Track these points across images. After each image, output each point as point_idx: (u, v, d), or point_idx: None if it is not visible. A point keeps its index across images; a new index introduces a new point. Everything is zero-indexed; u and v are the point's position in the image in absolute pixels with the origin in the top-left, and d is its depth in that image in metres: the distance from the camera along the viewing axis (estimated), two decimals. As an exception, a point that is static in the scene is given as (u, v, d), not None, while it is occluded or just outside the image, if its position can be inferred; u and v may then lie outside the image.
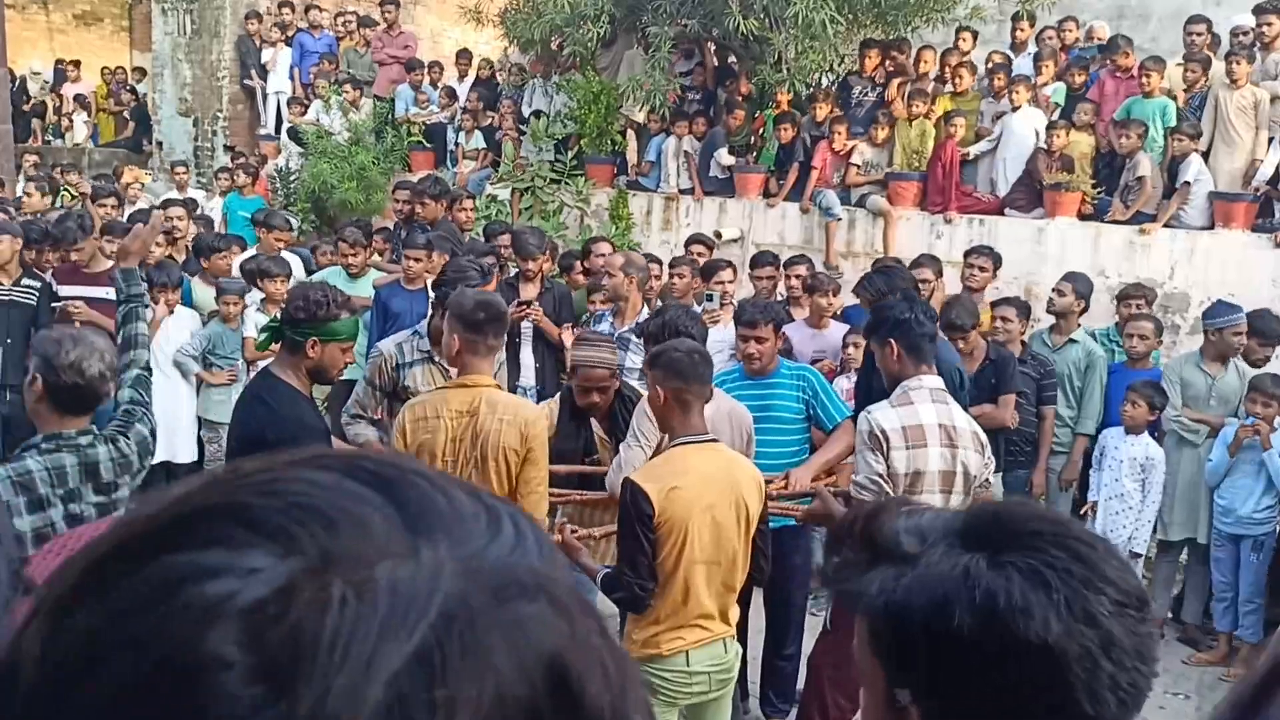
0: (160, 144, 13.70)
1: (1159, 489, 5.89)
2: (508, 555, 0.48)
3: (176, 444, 6.75)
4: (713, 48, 10.49)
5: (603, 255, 7.16)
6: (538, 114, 10.64)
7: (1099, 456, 6.10)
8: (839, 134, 9.06)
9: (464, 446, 3.55)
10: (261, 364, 5.12)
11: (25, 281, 6.55)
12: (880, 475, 3.59)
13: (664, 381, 3.42)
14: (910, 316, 3.69)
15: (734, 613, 3.56)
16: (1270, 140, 7.97)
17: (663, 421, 3.55)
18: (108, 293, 6.47)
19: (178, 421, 6.91)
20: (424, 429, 3.61)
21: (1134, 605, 0.99)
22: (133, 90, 14.88)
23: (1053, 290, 6.62)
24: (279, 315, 3.87)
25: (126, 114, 14.48)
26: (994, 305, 6.47)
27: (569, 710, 0.45)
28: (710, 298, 5.97)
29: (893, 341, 3.66)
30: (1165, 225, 7.96)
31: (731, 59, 10.52)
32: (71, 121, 13.97)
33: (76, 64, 15.37)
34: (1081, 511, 6.10)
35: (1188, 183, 7.85)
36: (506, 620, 0.45)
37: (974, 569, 0.98)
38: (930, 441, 3.59)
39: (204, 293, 7.64)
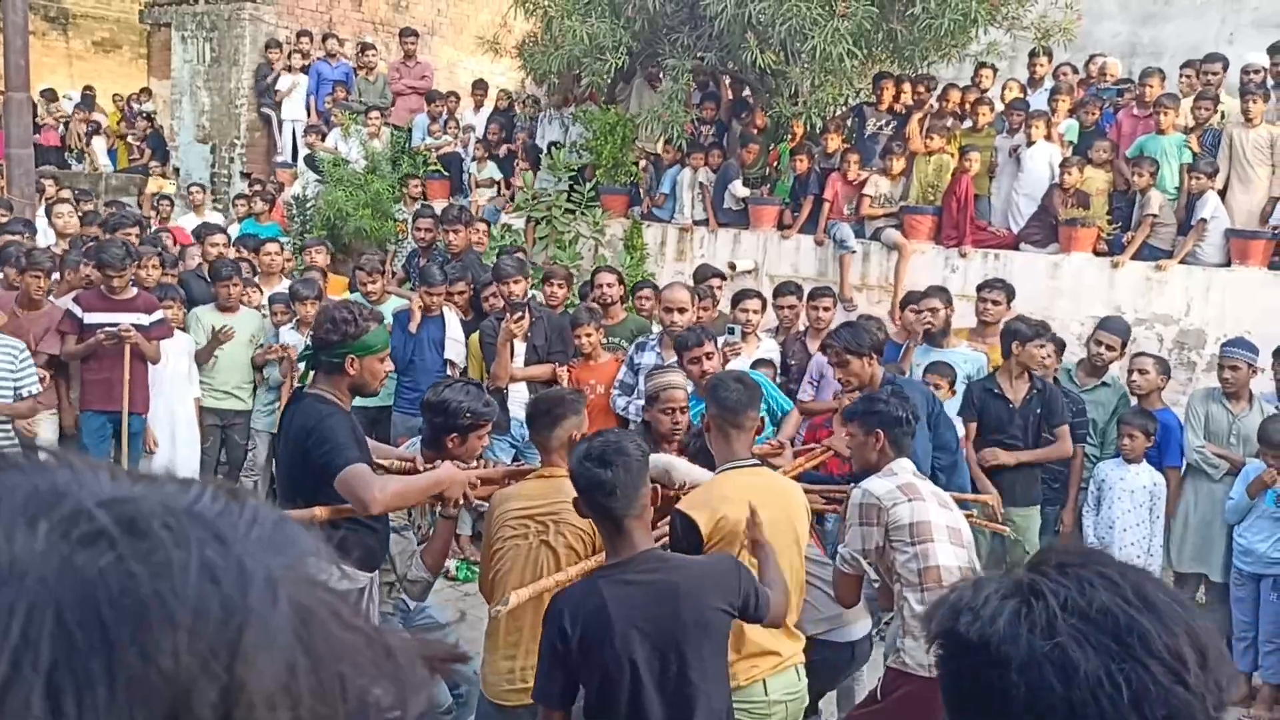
0: (178, 170, 13.80)
1: (1163, 513, 6.02)
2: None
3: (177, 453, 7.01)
4: (728, 81, 10.56)
5: (606, 285, 7.03)
6: (554, 146, 10.69)
7: (1095, 492, 6.09)
8: (851, 163, 9.10)
9: (531, 528, 3.59)
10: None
11: None
12: (859, 552, 3.71)
13: (711, 411, 3.64)
14: (903, 415, 3.86)
15: (801, 640, 3.59)
16: (1286, 178, 8.00)
17: (715, 449, 3.70)
18: (139, 318, 6.58)
19: (178, 433, 7.08)
20: (501, 507, 3.69)
21: None
22: (148, 117, 14.98)
23: (1100, 345, 6.46)
24: (311, 341, 3.88)
25: (140, 140, 14.55)
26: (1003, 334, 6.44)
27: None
28: (732, 330, 5.95)
29: (881, 433, 3.81)
30: (1181, 262, 7.98)
31: (746, 92, 10.58)
32: (90, 145, 14.06)
33: (90, 89, 15.55)
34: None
35: (1204, 220, 7.87)
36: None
37: None
38: (927, 498, 3.73)
39: (217, 320, 7.62)
